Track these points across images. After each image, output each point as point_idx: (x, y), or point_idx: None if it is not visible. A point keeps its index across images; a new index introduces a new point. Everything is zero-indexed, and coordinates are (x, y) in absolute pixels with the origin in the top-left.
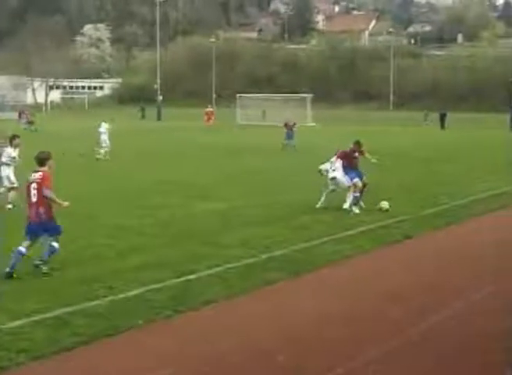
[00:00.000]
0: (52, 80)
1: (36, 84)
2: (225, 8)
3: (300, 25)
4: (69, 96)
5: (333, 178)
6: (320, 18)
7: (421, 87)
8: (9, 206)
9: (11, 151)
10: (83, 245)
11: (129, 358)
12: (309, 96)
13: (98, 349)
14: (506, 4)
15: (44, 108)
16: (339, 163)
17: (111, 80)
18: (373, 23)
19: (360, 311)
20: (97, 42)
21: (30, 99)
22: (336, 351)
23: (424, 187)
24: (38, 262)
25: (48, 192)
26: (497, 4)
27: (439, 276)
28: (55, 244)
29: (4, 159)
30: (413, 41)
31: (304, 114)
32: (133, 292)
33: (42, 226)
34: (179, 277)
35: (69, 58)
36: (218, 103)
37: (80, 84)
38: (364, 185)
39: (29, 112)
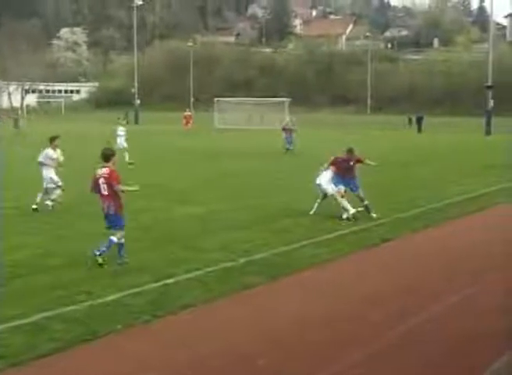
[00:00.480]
0: (28, 83)
1: (11, 88)
2: (203, 13)
3: (277, 29)
4: (45, 100)
5: (319, 184)
6: (297, 22)
7: (397, 91)
8: (50, 203)
9: (52, 153)
10: (61, 250)
11: (108, 363)
12: (287, 100)
13: (77, 355)
14: (480, 9)
15: (19, 112)
16: (331, 170)
17: (88, 84)
18: (350, 27)
19: (341, 314)
20: (73, 46)
21: (5, 103)
22: (318, 354)
23: (402, 190)
24: (96, 253)
25: (118, 187)
26: (472, 9)
27: (418, 278)
28: (113, 239)
29: (42, 159)
30: (390, 46)
31: (282, 118)
32: (111, 297)
33: (108, 219)
34: (157, 281)
35: (46, 61)
36: (196, 107)
37: (56, 88)
38: (362, 200)
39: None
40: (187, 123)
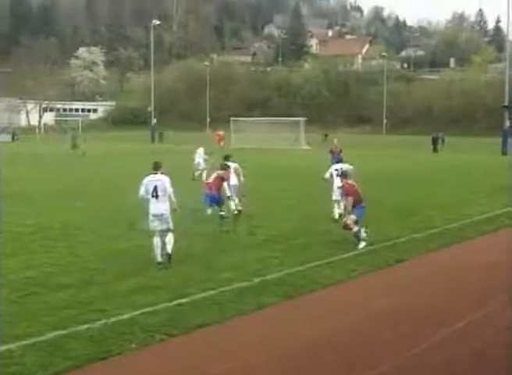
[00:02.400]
0: (46, 102)
1: (29, 107)
2: (220, 32)
3: (293, 49)
4: (62, 119)
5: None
6: (313, 42)
7: (413, 110)
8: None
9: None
10: (75, 269)
11: None
12: (302, 120)
13: (91, 373)
14: (496, 29)
15: (37, 131)
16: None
17: (105, 103)
18: (366, 47)
19: (353, 335)
20: (91, 65)
21: (23, 122)
22: None
23: (418, 210)
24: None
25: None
26: (488, 29)
27: (432, 299)
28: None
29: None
30: (406, 65)
31: (298, 137)
32: (125, 315)
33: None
34: (172, 300)
35: (63, 80)
36: (212, 126)
37: (73, 107)
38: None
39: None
40: (220, 141)
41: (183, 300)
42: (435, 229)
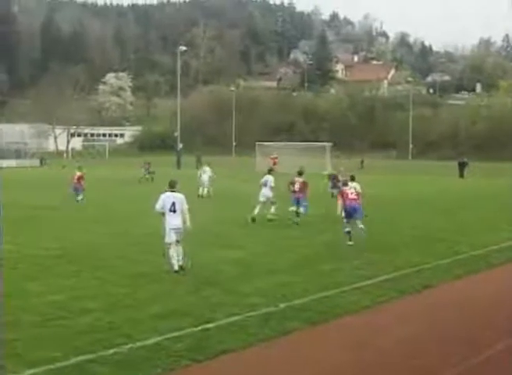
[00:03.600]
0: (74, 127)
1: (58, 132)
2: (246, 58)
3: (319, 74)
4: (89, 143)
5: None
6: (339, 67)
7: (440, 136)
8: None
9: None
10: (100, 293)
11: None
12: (328, 144)
13: None
14: None
15: (65, 156)
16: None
17: (131, 128)
18: (392, 72)
19: (379, 362)
20: (118, 90)
21: (51, 146)
22: None
23: (444, 235)
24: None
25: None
26: None
27: (459, 326)
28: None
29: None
30: (432, 91)
31: (323, 162)
32: (151, 340)
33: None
34: (197, 326)
35: (91, 106)
36: (238, 151)
37: (101, 132)
38: None
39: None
40: (274, 164)
41: (209, 325)
42: (461, 255)
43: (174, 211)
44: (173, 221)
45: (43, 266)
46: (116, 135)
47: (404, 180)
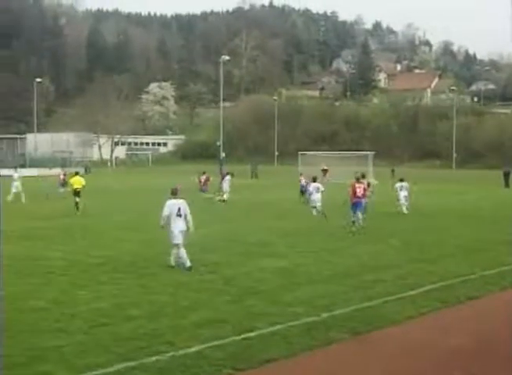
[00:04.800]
0: (118, 136)
1: (102, 140)
2: (288, 67)
3: (362, 83)
4: (133, 152)
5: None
6: (382, 76)
7: (484, 145)
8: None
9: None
10: (143, 301)
11: None
12: (371, 153)
13: None
14: None
15: (109, 164)
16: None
17: (174, 137)
18: (435, 81)
19: (423, 372)
20: (161, 100)
21: (96, 155)
22: None
23: (489, 246)
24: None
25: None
26: None
27: (504, 339)
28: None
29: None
30: (476, 99)
31: (366, 171)
32: (193, 349)
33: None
34: (239, 334)
35: (135, 115)
36: (281, 160)
37: (144, 141)
38: None
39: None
40: (324, 175)
41: (251, 334)
42: (507, 266)
43: (180, 215)
44: (180, 224)
45: (90, 273)
46: (159, 144)
47: (447, 189)
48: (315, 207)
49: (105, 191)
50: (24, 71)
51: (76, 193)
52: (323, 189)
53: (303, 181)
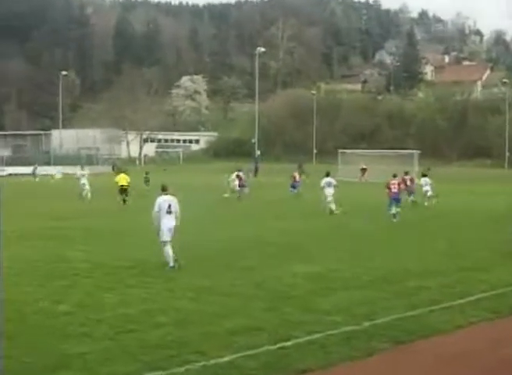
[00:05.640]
0: (147, 132)
1: (130, 137)
2: (328, 59)
3: (406, 76)
4: (163, 150)
5: None
6: (428, 69)
7: None
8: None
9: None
10: (172, 307)
11: None
12: (416, 152)
13: None
14: None
15: (137, 162)
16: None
17: (207, 134)
18: (486, 73)
19: None
20: (193, 94)
21: (124, 152)
22: None
23: None
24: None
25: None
26: None
27: None
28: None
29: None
30: None
31: (411, 171)
32: (225, 358)
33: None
34: (274, 343)
35: (165, 110)
36: (319, 158)
37: (175, 137)
38: None
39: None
40: (363, 175)
41: (287, 343)
42: None
43: (170, 212)
44: (170, 221)
45: (117, 276)
46: (191, 141)
47: (498, 190)
48: (330, 202)
49: (134, 190)
50: (48, 63)
51: (123, 190)
52: (335, 183)
53: (297, 177)
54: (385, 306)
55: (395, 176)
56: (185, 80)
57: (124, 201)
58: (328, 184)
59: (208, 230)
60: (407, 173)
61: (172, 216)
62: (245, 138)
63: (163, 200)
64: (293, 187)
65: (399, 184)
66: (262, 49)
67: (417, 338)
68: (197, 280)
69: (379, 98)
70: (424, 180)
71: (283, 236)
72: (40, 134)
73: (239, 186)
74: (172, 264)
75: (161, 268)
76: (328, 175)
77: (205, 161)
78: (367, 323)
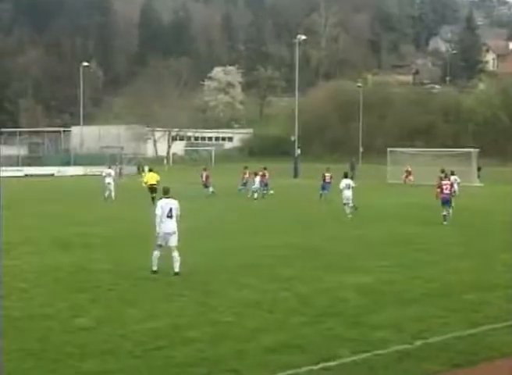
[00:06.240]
0: (176, 130)
1: (157, 135)
2: (376, 48)
3: (465, 66)
4: (193, 148)
5: None
6: (490, 57)
7: None
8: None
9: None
10: (203, 321)
11: None
12: (474, 151)
13: None
14: None
15: (165, 162)
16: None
17: (241, 131)
18: None
19: None
20: (226, 87)
21: (150, 151)
22: None
23: None
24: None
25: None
26: None
27: None
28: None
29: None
30: None
31: (469, 172)
32: None
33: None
34: (317, 363)
35: (195, 105)
36: (366, 158)
37: (206, 135)
38: None
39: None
40: (407, 177)
41: (330, 363)
42: None
43: (171, 216)
44: (169, 225)
45: (141, 287)
46: (224, 139)
47: None
48: (347, 204)
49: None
50: (68, 54)
51: (153, 189)
52: (354, 185)
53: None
54: (441, 323)
55: (446, 176)
56: (217, 72)
57: (153, 199)
58: (347, 187)
59: (246, 236)
60: (452, 173)
61: (173, 220)
62: (283, 136)
63: (165, 203)
64: (323, 188)
65: (451, 185)
66: (303, 37)
67: (477, 361)
68: (233, 293)
69: (434, 90)
70: (453, 179)
71: (329, 243)
72: (59, 132)
73: (265, 185)
74: (155, 268)
75: (191, 279)
76: (346, 176)
77: (240, 160)
78: (420, 342)
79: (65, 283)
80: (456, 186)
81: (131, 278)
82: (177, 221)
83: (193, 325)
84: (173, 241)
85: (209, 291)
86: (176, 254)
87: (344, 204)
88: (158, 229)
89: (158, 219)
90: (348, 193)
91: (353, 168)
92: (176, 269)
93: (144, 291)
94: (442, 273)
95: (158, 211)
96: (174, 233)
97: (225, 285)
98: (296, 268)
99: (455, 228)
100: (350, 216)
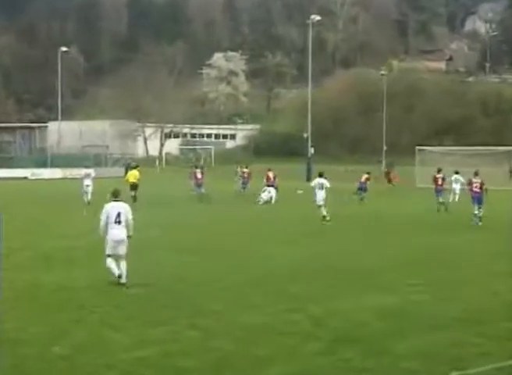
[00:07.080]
0: (169, 125)
1: (148, 132)
2: (402, 30)
3: (507, 50)
4: (189, 147)
5: None
6: None
7: None
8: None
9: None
10: (198, 348)
11: None
12: None
13: None
14: None
15: (157, 162)
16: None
17: (246, 127)
18: None
19: None
20: (228, 76)
21: (140, 150)
22: None
23: None
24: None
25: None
26: None
27: None
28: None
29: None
30: None
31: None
32: None
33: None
34: None
35: (192, 97)
36: (391, 157)
37: (204, 132)
38: None
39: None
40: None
41: None
42: None
43: (119, 222)
44: (118, 233)
45: (127, 310)
46: (225, 136)
47: None
48: (320, 206)
49: (153, 201)
50: (44, 39)
51: (132, 187)
52: (328, 185)
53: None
54: (478, 352)
55: (476, 174)
56: (218, 58)
57: (134, 197)
58: (320, 187)
59: (251, 247)
60: (477, 175)
61: (122, 226)
62: (294, 132)
63: (111, 207)
64: (360, 188)
65: (481, 184)
66: (317, 17)
67: None
68: (234, 315)
69: (470, 79)
70: (455, 178)
71: (347, 256)
72: (33, 128)
73: (275, 188)
74: (116, 273)
75: (185, 298)
76: (321, 175)
77: (243, 161)
78: (455, 373)
79: (43, 303)
80: (457, 186)
81: (115, 297)
82: (128, 227)
83: (187, 353)
84: (122, 250)
85: (206, 312)
86: (123, 264)
87: (319, 206)
88: (104, 235)
89: (102, 223)
90: (321, 194)
91: (390, 171)
92: (123, 281)
93: (133, 315)
94: (476, 294)
95: (103, 215)
96: (123, 241)
97: (226, 305)
98: (308, 285)
99: (492, 241)
100: (328, 218)
